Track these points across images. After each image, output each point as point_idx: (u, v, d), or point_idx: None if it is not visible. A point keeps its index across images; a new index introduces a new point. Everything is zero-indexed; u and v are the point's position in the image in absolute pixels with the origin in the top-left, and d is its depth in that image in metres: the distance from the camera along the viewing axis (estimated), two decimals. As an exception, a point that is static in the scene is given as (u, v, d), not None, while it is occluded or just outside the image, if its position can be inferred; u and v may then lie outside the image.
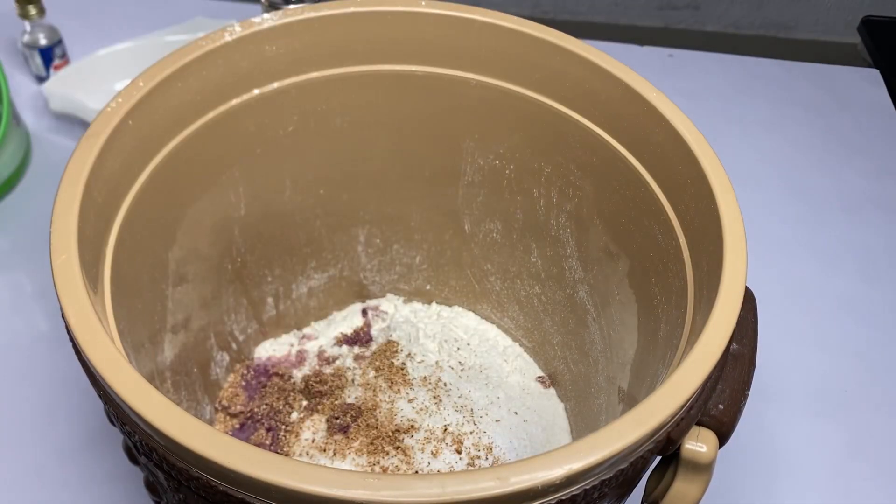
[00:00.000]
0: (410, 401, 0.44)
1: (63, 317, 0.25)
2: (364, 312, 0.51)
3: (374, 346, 0.49)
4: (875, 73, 0.73)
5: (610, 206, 0.38)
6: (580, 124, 0.37)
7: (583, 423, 0.45)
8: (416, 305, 0.52)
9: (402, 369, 0.46)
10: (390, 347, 0.48)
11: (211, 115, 0.36)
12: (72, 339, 0.25)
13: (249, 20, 0.36)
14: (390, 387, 0.45)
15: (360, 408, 0.44)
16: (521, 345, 0.50)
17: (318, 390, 0.45)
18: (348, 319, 0.51)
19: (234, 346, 0.47)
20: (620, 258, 0.38)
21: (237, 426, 0.46)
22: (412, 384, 0.45)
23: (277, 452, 0.43)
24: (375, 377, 0.46)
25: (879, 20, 0.76)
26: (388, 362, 0.47)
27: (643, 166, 0.35)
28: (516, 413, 0.45)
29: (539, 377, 0.49)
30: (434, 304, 0.52)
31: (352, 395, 0.45)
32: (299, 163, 0.42)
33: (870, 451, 0.48)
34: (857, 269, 0.59)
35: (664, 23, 0.84)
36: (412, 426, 0.43)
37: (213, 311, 0.43)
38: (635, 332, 0.37)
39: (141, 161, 0.33)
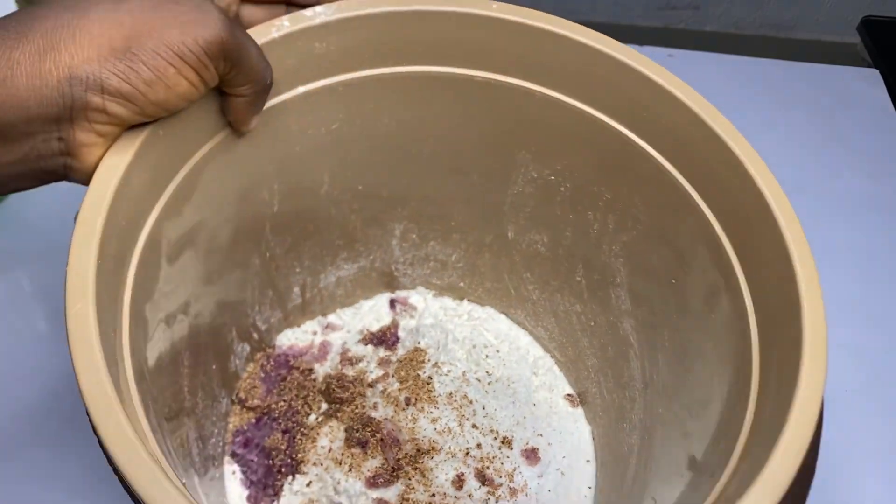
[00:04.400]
0: (434, 420, 0.43)
1: (77, 384, 0.25)
2: (392, 304, 0.50)
3: (400, 351, 0.47)
4: (875, 73, 0.73)
5: (672, 252, 0.35)
6: (652, 159, 0.34)
7: (609, 455, 0.43)
8: (447, 301, 0.51)
9: (429, 384, 0.45)
10: (417, 356, 0.46)
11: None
12: (88, 414, 0.24)
13: (300, 13, 0.33)
14: (414, 403, 0.44)
15: (380, 423, 0.43)
16: (552, 357, 0.49)
17: (338, 396, 0.44)
18: (375, 310, 0.50)
19: (255, 335, 0.46)
20: (676, 309, 0.36)
21: (253, 420, 0.45)
22: (437, 402, 0.44)
23: (292, 458, 0.43)
24: (399, 390, 0.44)
25: (879, 20, 0.76)
26: (413, 374, 0.45)
27: (717, 220, 0.32)
28: (541, 435, 0.44)
29: (568, 395, 0.47)
30: (466, 302, 0.51)
31: (373, 407, 0.44)
32: (340, 159, 0.40)
33: (870, 451, 0.48)
34: (857, 269, 0.59)
35: (664, 23, 0.84)
36: (433, 447, 0.42)
37: (236, 306, 0.42)
38: (685, 393, 0.35)
39: (170, 170, 0.32)
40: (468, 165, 0.42)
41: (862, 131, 0.69)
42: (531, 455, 0.44)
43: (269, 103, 0.34)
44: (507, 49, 0.35)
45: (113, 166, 0.28)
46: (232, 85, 0.31)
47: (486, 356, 0.48)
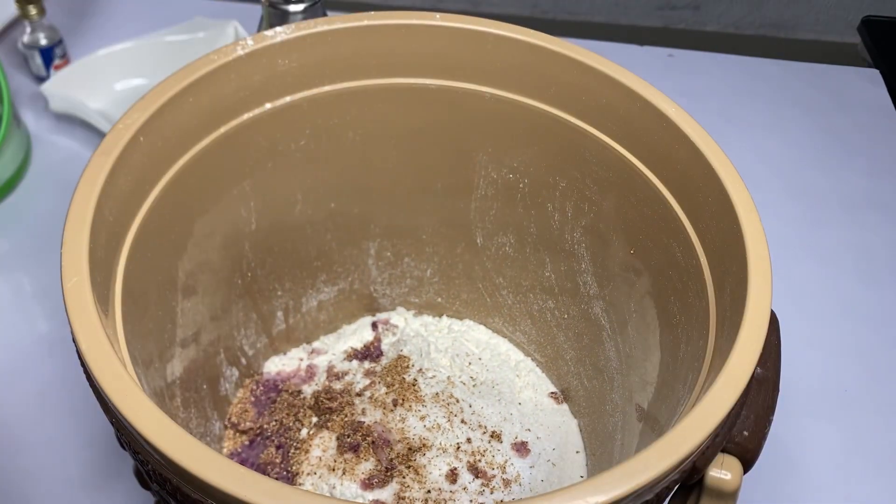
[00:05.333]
0: (422, 418, 0.44)
1: (74, 342, 0.25)
2: (374, 326, 0.51)
3: (384, 361, 0.48)
4: (875, 73, 0.73)
5: (627, 222, 0.37)
6: (596, 139, 0.36)
7: (596, 441, 0.44)
8: (427, 318, 0.52)
9: (414, 385, 0.46)
10: (401, 363, 0.47)
11: (223, 129, 0.35)
12: (84, 366, 0.25)
13: (262, 34, 0.35)
14: (402, 404, 0.44)
15: (370, 426, 0.43)
16: (533, 359, 0.50)
17: (327, 406, 0.45)
18: (358, 333, 0.51)
19: (243, 360, 0.47)
20: (638, 276, 0.38)
21: (247, 443, 0.45)
22: (424, 400, 0.45)
23: (287, 471, 0.43)
24: (387, 393, 0.45)
25: (879, 20, 0.76)
26: (399, 378, 0.46)
27: (662, 183, 0.34)
28: (529, 430, 0.45)
29: (552, 393, 0.48)
30: (445, 318, 0.52)
31: (362, 413, 0.44)
32: (311, 176, 0.41)
33: (870, 451, 0.48)
34: (856, 269, 0.59)
35: (664, 23, 0.84)
36: (424, 444, 0.43)
37: (222, 325, 0.43)
38: (655, 352, 0.37)
39: (153, 177, 0.33)
40: (432, 175, 0.43)
41: (862, 131, 0.69)
42: (521, 448, 0.44)
43: (238, 119, 0.36)
44: (453, 55, 0.37)
45: (100, 165, 0.29)
46: None
47: (469, 363, 0.49)
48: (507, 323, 0.50)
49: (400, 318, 0.52)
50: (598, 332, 0.43)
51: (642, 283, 0.37)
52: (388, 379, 0.46)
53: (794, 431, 0.49)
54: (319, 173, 0.41)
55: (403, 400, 0.45)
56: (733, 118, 0.69)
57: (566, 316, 0.45)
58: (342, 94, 0.38)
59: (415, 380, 0.46)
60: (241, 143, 0.37)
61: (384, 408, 0.44)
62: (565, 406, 0.48)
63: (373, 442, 0.42)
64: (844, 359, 0.53)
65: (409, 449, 0.42)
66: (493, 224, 0.45)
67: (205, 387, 0.43)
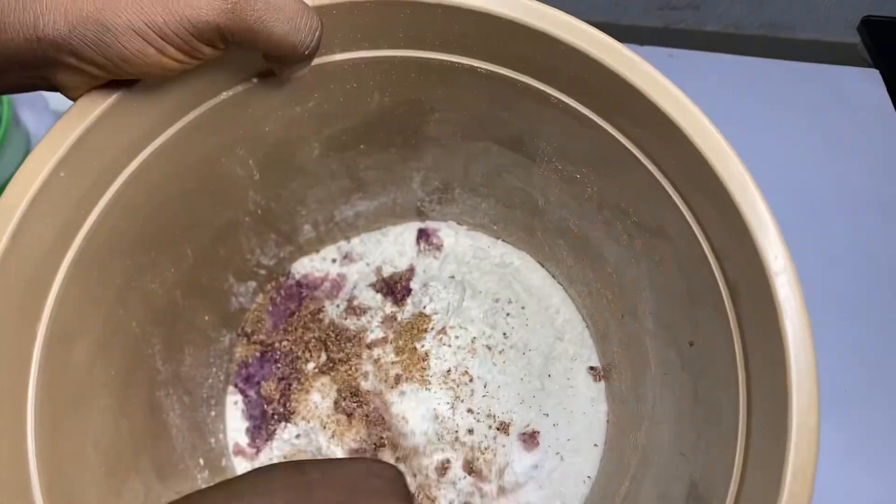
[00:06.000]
0: (423, 401, 0.42)
1: None
2: (421, 236, 0.47)
3: (408, 307, 0.45)
4: (875, 73, 0.73)
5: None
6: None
7: (619, 434, 0.42)
8: (480, 238, 0.47)
9: (425, 360, 0.43)
10: (420, 324, 0.44)
11: (200, 109, 0.33)
12: None
13: None
14: (405, 380, 0.42)
15: (367, 395, 0.42)
16: (584, 323, 0.45)
17: (334, 357, 0.44)
18: (401, 240, 0.47)
19: (262, 272, 0.45)
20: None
21: (258, 354, 0.45)
22: (429, 382, 0.42)
23: (285, 408, 0.44)
24: (393, 363, 0.43)
25: (879, 20, 0.76)
26: (411, 346, 0.43)
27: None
28: (547, 415, 0.42)
29: (592, 368, 0.44)
30: (500, 242, 0.47)
31: (364, 376, 0.43)
32: (328, 130, 0.39)
33: (870, 451, 0.48)
34: (856, 269, 0.59)
35: (664, 23, 0.84)
36: (418, 431, 0.41)
37: (228, 259, 0.42)
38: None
39: (125, 158, 0.31)
40: (486, 134, 0.40)
41: (862, 131, 0.69)
42: (529, 440, 0.42)
43: (218, 98, 0.33)
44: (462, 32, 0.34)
45: (85, 110, 0.27)
46: (257, 52, 0.28)
47: (508, 314, 0.45)
48: (565, 277, 0.45)
49: (451, 231, 0.47)
50: (645, 369, 0.40)
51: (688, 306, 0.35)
52: (401, 342, 0.43)
53: (794, 431, 0.49)
54: (339, 126, 0.39)
55: (408, 377, 0.43)
56: (733, 118, 0.69)
57: (622, 323, 0.42)
58: (357, 63, 0.35)
59: (427, 353, 0.43)
60: (229, 115, 0.34)
61: (386, 381, 0.43)
62: (602, 386, 0.43)
63: (367, 415, 0.42)
64: (844, 359, 0.53)
65: (401, 433, 0.42)
66: (557, 200, 0.41)
67: (206, 318, 0.42)
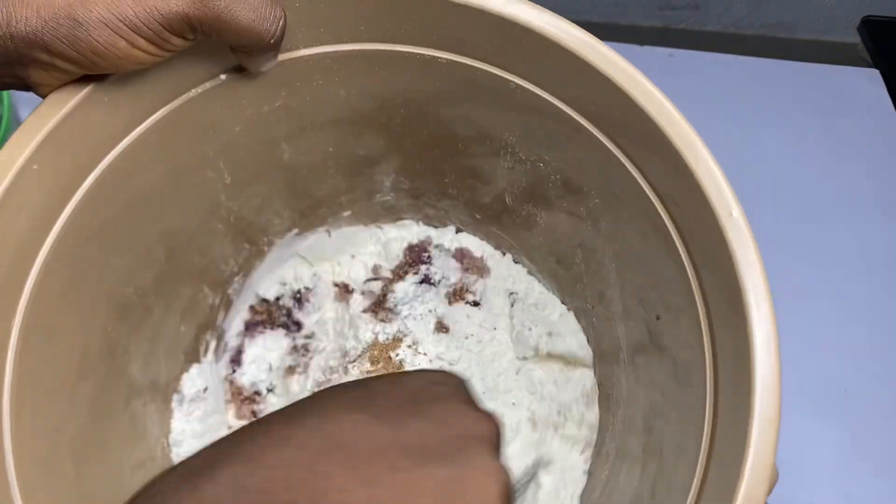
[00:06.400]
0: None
1: None
2: (413, 258, 0.48)
3: (393, 324, 0.47)
4: (875, 73, 0.73)
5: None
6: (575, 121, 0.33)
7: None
8: (467, 240, 0.48)
9: (399, 368, 0.45)
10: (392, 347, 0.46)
11: (171, 106, 0.33)
12: None
13: None
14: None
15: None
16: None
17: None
18: (391, 244, 0.48)
19: (236, 282, 0.46)
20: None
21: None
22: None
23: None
24: (369, 371, 0.45)
25: (879, 20, 0.76)
26: (385, 355, 0.45)
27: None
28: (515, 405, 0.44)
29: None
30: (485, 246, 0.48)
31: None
32: (296, 128, 0.39)
33: (870, 451, 0.48)
34: (857, 269, 0.59)
35: (664, 23, 0.84)
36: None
37: (198, 268, 0.42)
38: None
39: (99, 154, 0.31)
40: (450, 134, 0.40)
41: (862, 131, 0.69)
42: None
43: (186, 96, 0.33)
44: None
45: (56, 105, 0.28)
46: (223, 42, 0.28)
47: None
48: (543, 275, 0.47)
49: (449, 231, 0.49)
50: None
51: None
52: (375, 352, 0.45)
53: (794, 431, 0.49)
54: (307, 124, 0.39)
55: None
56: (733, 118, 0.69)
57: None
58: (321, 58, 0.35)
59: (401, 362, 0.45)
60: (193, 117, 0.34)
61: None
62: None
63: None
64: (844, 359, 0.53)
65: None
66: (522, 194, 0.42)
67: (182, 328, 0.43)
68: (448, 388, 0.28)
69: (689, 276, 0.30)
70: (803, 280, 0.58)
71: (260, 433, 0.25)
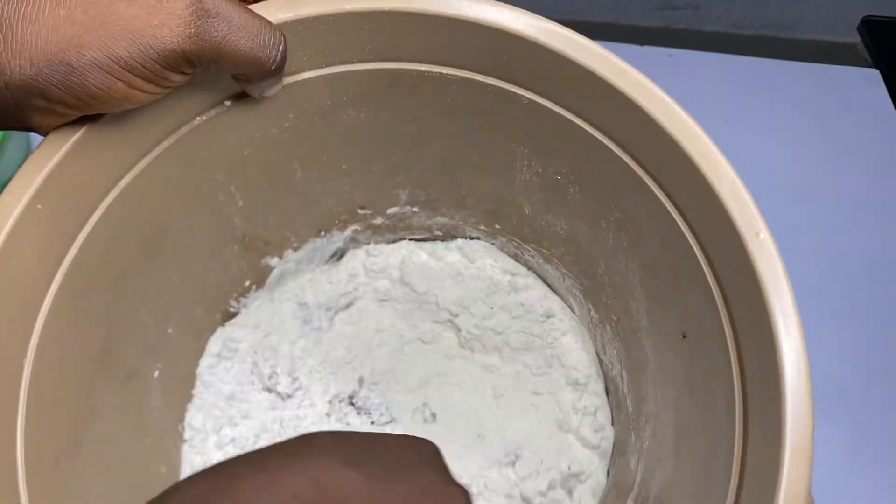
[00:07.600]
0: None
1: None
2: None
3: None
4: (875, 73, 0.73)
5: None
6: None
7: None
8: (479, 254, 0.48)
9: None
10: None
11: (177, 135, 0.33)
12: None
13: None
14: None
15: None
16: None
17: None
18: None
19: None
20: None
21: None
22: None
23: None
24: None
25: (879, 20, 0.76)
26: None
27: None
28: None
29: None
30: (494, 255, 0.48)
31: None
32: (308, 150, 0.39)
33: (870, 450, 0.48)
34: (857, 269, 0.59)
35: (664, 23, 0.84)
36: None
37: (213, 289, 0.42)
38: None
39: (104, 188, 0.31)
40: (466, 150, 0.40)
41: (862, 131, 0.69)
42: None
43: (191, 124, 0.33)
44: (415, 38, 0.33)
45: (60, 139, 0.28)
46: (224, 72, 0.28)
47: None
48: (563, 288, 0.47)
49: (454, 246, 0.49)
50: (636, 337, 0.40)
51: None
52: None
53: (794, 431, 0.49)
54: (319, 146, 0.39)
55: None
56: (733, 118, 0.69)
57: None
58: (330, 78, 0.35)
59: None
60: (200, 143, 0.34)
61: None
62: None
63: None
64: (844, 359, 0.53)
65: None
66: (541, 205, 0.42)
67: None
68: (427, 455, 0.28)
69: (715, 295, 0.30)
70: (803, 280, 0.58)
71: (249, 474, 0.25)
